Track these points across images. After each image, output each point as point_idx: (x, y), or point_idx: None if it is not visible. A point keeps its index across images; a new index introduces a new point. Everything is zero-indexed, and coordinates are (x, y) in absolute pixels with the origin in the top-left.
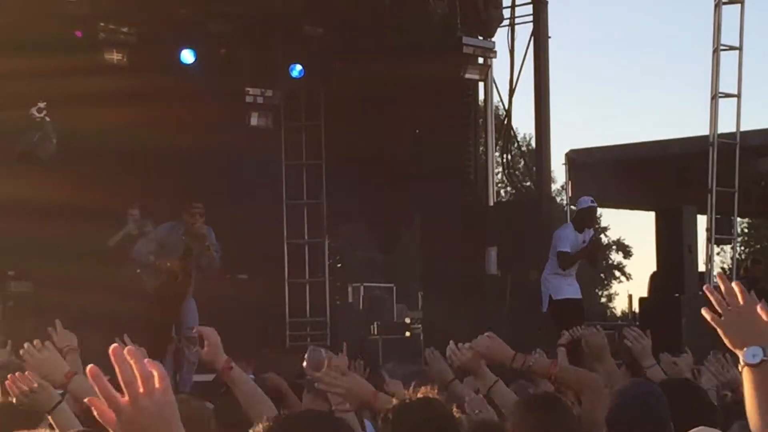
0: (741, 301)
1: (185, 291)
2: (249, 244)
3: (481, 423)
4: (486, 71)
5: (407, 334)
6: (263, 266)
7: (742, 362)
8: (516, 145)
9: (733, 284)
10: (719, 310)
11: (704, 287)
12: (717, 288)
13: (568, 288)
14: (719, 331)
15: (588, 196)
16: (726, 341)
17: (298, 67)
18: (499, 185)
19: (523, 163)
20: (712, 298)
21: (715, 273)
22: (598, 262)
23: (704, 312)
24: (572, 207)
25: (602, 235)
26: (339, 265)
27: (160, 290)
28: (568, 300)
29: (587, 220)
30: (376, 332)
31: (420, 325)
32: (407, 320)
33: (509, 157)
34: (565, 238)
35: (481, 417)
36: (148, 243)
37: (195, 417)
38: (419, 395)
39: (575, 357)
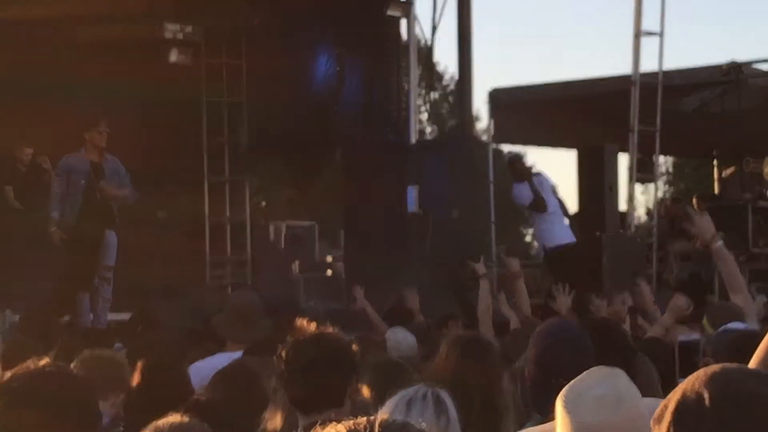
0: None
1: (103, 226)
2: (168, 182)
3: (383, 361)
4: (408, 8)
5: (329, 272)
6: (183, 204)
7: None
8: (440, 83)
9: None
10: None
11: None
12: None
13: (560, 232)
14: None
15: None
16: None
17: None
18: (425, 124)
19: (447, 102)
20: None
21: (639, 211)
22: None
23: None
24: (495, 146)
25: None
26: (263, 204)
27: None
28: (562, 247)
29: (517, 168)
30: (297, 270)
31: (341, 264)
32: (329, 259)
33: (433, 95)
34: (521, 192)
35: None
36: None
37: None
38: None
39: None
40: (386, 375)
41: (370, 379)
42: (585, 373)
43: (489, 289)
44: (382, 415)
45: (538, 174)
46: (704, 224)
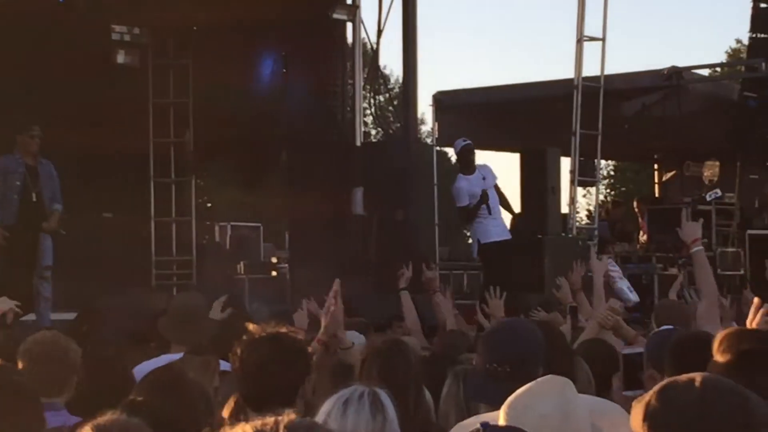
0: None
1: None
2: (115, 183)
3: (338, 363)
4: (354, 11)
5: (273, 273)
6: (129, 205)
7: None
8: (386, 86)
9: None
10: None
11: None
12: None
13: (495, 230)
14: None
15: (459, 138)
16: None
17: None
18: (371, 127)
19: (392, 104)
20: None
21: (581, 214)
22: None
23: None
24: (439, 149)
25: None
26: (209, 205)
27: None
28: (497, 244)
29: (469, 159)
30: (242, 271)
31: (286, 265)
32: (274, 260)
33: (378, 98)
34: (459, 191)
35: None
36: None
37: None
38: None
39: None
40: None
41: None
42: (534, 382)
43: (410, 301)
44: (289, 415)
45: (485, 165)
46: (691, 229)
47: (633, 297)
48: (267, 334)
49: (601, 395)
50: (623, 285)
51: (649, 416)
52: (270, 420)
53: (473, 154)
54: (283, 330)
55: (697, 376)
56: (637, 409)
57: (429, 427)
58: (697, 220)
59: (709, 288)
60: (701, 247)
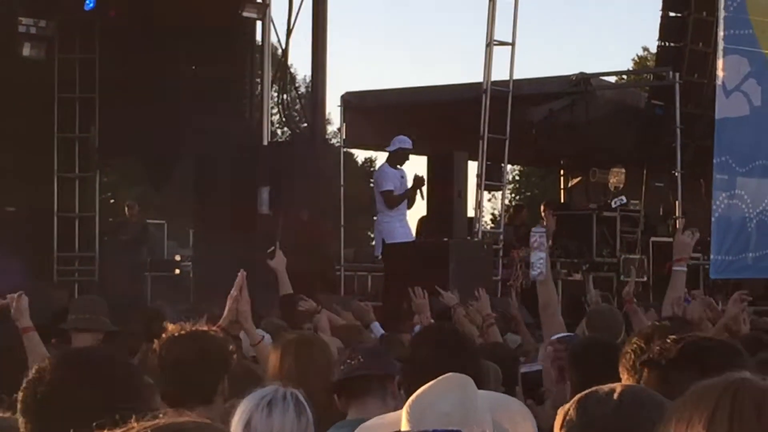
0: None
1: None
2: (17, 177)
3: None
4: (264, 10)
5: (177, 271)
6: (32, 199)
7: None
8: (294, 85)
9: None
10: None
11: None
12: None
13: (401, 230)
14: None
15: (403, 136)
16: None
17: None
18: (277, 126)
19: (300, 104)
20: None
21: (485, 219)
22: (413, 201)
23: None
24: (346, 150)
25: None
26: (112, 201)
27: None
28: (401, 244)
29: (405, 159)
30: (145, 269)
31: (190, 263)
32: (177, 258)
33: (286, 97)
34: (387, 175)
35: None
36: None
37: None
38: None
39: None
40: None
41: None
42: (435, 381)
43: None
44: (171, 418)
45: (403, 169)
46: (681, 245)
47: (535, 273)
48: (186, 333)
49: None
50: (539, 257)
51: (566, 426)
52: (151, 422)
53: (408, 158)
54: (203, 328)
55: (618, 387)
56: (558, 419)
57: None
58: (693, 235)
59: (665, 310)
60: (683, 268)
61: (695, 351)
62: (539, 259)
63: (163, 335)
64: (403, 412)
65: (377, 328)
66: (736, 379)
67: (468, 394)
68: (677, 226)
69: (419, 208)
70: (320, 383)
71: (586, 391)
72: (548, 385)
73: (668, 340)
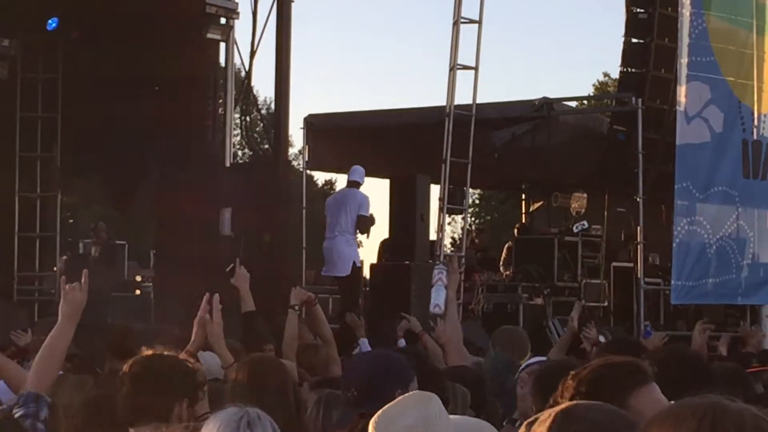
0: None
1: None
2: None
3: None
4: (228, 32)
5: (137, 292)
6: None
7: None
8: (256, 107)
9: None
10: None
11: None
12: None
13: (356, 252)
14: None
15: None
16: None
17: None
18: (238, 147)
19: (262, 126)
20: None
21: (445, 242)
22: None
23: None
24: (308, 172)
25: None
26: (71, 221)
27: None
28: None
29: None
30: (106, 289)
31: (151, 284)
32: (138, 278)
33: (248, 119)
34: (368, 201)
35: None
36: None
37: None
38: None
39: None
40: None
41: None
42: (400, 397)
43: (296, 320)
44: None
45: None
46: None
47: (432, 307)
48: (148, 354)
49: None
50: (438, 291)
51: None
52: None
53: None
54: (167, 351)
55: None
56: None
57: None
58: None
59: None
60: None
61: (589, 382)
62: (438, 295)
63: (137, 355)
64: (370, 428)
65: (365, 345)
66: (713, 404)
67: (431, 410)
68: (638, 252)
69: (383, 231)
70: (277, 403)
71: (531, 418)
72: (523, 410)
73: (568, 378)
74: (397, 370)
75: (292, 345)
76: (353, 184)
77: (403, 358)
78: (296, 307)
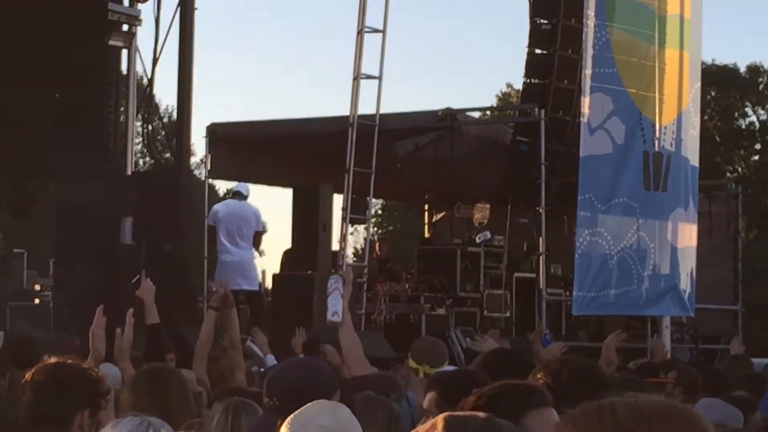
0: None
1: None
2: None
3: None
4: (131, 39)
5: (36, 301)
6: None
7: None
8: (158, 116)
9: None
10: None
11: None
12: None
13: None
14: None
15: None
16: None
17: None
18: (139, 155)
19: (164, 134)
20: None
21: (348, 252)
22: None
23: None
24: (210, 181)
25: None
26: None
27: None
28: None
29: None
30: (5, 298)
31: (50, 293)
32: (37, 287)
33: (150, 127)
34: (261, 217)
35: None
36: None
37: None
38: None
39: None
40: None
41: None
42: (310, 404)
43: (213, 320)
44: None
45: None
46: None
47: (329, 314)
48: (50, 363)
49: None
50: (335, 299)
51: None
52: None
53: None
54: (69, 360)
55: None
56: None
57: None
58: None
59: None
60: None
61: (489, 398)
62: (336, 303)
63: (38, 364)
64: (283, 428)
65: (271, 360)
66: (611, 402)
67: (341, 414)
68: (540, 262)
69: (285, 241)
70: (180, 413)
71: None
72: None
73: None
74: (323, 380)
75: (206, 343)
76: (240, 196)
77: (328, 367)
78: (216, 308)
